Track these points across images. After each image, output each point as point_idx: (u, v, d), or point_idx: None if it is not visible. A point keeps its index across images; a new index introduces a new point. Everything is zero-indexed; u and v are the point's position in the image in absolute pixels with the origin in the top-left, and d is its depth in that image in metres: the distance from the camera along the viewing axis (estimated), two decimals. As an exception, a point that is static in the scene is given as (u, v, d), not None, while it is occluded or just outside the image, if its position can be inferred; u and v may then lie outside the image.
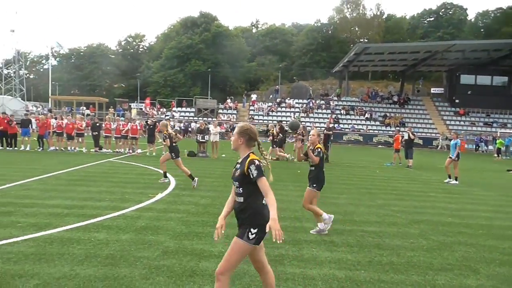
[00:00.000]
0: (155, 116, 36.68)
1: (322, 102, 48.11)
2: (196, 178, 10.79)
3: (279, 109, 46.84)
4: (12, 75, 57.53)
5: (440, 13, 66.52)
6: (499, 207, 10.10)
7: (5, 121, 19.74)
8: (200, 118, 36.91)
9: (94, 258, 5.16)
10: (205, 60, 60.17)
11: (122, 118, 22.38)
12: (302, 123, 34.65)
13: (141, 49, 78.29)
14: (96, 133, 20.50)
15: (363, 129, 41.99)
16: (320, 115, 45.03)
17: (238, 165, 3.62)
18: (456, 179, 14.12)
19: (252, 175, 3.42)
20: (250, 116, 45.05)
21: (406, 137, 19.46)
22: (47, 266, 4.85)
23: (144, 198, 8.95)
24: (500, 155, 29.90)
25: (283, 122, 24.03)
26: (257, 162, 3.46)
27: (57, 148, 20.13)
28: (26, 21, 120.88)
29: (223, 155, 19.94)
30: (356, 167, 18.53)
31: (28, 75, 71.97)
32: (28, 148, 19.60)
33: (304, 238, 6.45)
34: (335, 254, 5.78)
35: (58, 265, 4.88)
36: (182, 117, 43.34)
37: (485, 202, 10.74)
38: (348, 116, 45.02)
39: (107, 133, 20.63)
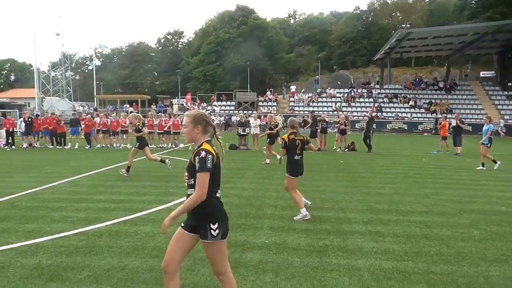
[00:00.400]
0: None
1: (364, 90, 47.07)
2: (167, 160, 11.21)
3: (319, 99, 46.28)
4: (59, 77, 60.05)
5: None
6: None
7: (54, 121, 20.75)
8: (240, 112, 37.08)
9: (141, 250, 5.29)
10: (243, 53, 60.32)
11: (163, 114, 22.89)
12: (345, 112, 34.08)
13: (180, 46, 79.71)
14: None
15: (407, 117, 40.75)
16: (363, 104, 44.14)
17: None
18: (483, 165, 13.53)
19: (195, 166, 3.17)
20: (290, 108, 44.81)
21: (454, 123, 18.71)
22: (97, 258, 5.03)
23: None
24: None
25: (323, 113, 23.68)
26: (203, 154, 3.16)
27: (103, 145, 20.92)
28: (70, 25, 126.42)
29: (264, 147, 19.89)
30: (401, 156, 18.00)
31: (74, 76, 75.03)
32: (76, 146, 20.44)
33: (348, 229, 6.33)
34: (381, 244, 5.63)
35: (107, 257, 5.05)
36: (223, 111, 43.78)
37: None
38: (391, 104, 43.76)
39: (149, 129, 21.15)
